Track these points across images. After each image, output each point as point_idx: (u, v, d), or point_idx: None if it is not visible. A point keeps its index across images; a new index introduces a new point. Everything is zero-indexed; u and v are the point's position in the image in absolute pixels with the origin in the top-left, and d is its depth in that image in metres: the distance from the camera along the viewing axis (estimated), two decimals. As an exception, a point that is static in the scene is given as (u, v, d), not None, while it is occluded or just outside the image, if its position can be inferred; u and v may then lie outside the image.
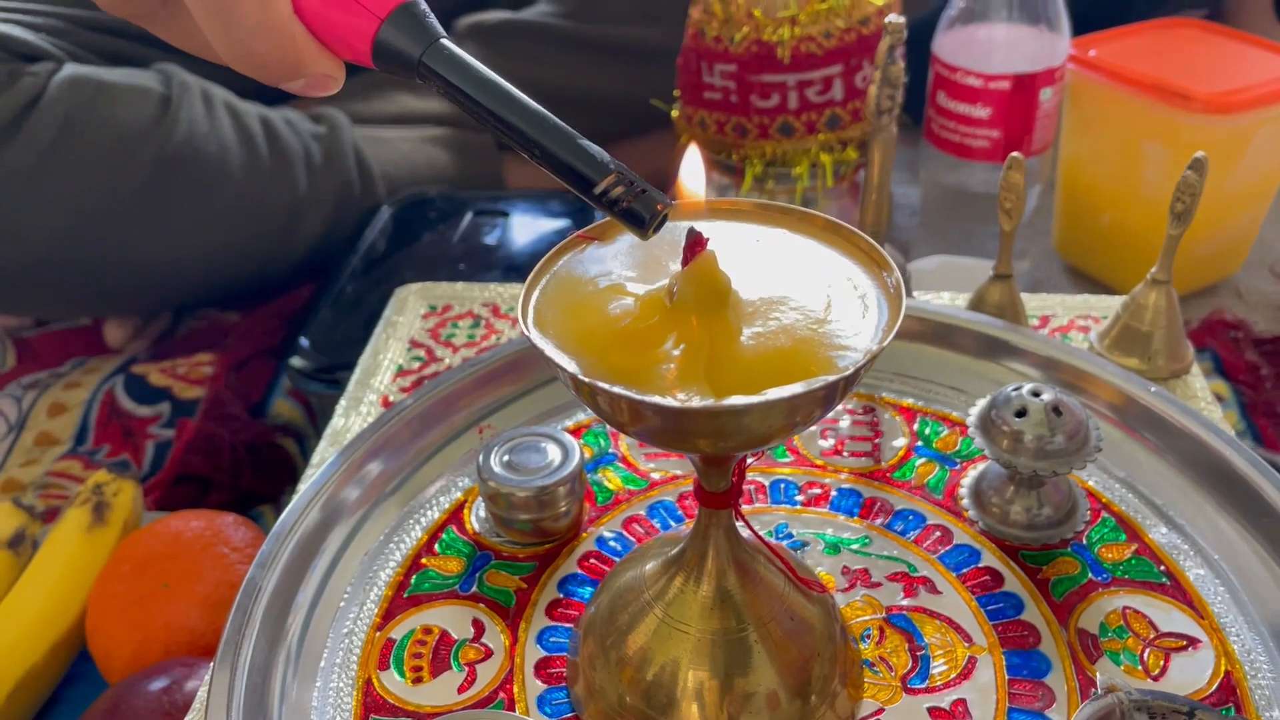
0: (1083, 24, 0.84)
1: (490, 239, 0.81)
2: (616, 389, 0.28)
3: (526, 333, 0.31)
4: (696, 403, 0.28)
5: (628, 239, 0.35)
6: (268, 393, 0.77)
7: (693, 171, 0.35)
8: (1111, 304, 0.58)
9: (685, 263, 0.31)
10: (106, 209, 0.74)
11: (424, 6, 0.30)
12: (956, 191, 0.82)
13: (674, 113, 0.82)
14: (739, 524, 0.37)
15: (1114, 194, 0.84)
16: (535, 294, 0.33)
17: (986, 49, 0.76)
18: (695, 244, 0.31)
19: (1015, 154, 0.49)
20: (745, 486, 0.47)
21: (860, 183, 0.80)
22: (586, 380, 0.29)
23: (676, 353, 0.30)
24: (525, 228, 0.82)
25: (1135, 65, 0.80)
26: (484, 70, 0.30)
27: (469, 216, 0.83)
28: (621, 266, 0.34)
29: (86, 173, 0.72)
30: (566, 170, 0.29)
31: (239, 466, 0.70)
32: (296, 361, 0.71)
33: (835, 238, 0.34)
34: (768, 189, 0.79)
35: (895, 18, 0.47)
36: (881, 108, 0.49)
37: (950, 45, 0.78)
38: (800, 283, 0.32)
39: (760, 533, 0.43)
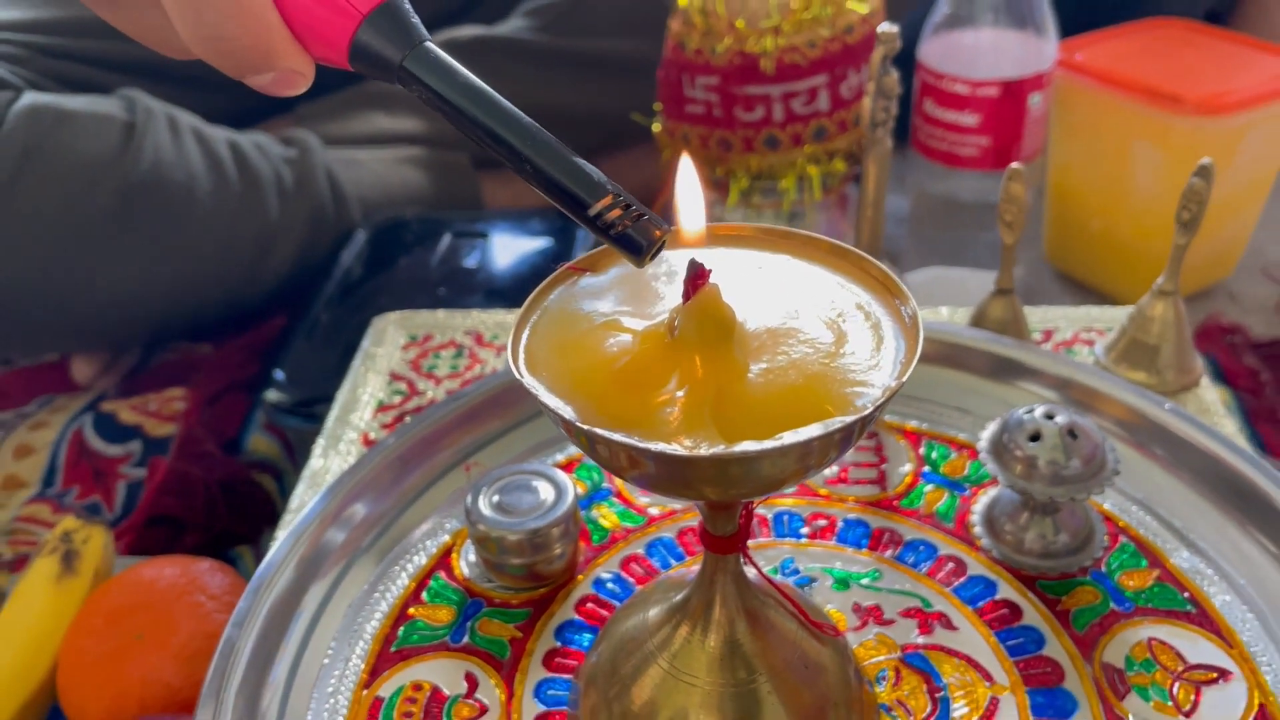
0: (1070, 26, 0.83)
1: (470, 261, 0.78)
2: (617, 436, 0.26)
3: (519, 376, 0.28)
4: (705, 450, 0.26)
5: (621, 269, 0.33)
6: (243, 428, 0.75)
7: (689, 188, 0.33)
8: (1116, 316, 0.56)
9: (687, 297, 0.29)
10: (70, 240, 0.71)
11: (408, 7, 0.28)
12: (946, 201, 0.81)
13: (656, 127, 0.80)
14: (746, 567, 0.35)
15: (1104, 199, 0.83)
16: (525, 332, 0.30)
17: (973, 55, 0.75)
18: (697, 276, 0.28)
19: (1015, 165, 0.47)
20: (747, 520, 0.45)
21: (849, 195, 0.79)
22: (584, 427, 0.27)
23: (680, 394, 0.28)
24: (506, 249, 0.80)
25: (1124, 68, 0.79)
26: (471, 77, 0.28)
27: (447, 239, 0.81)
28: (616, 300, 0.32)
29: (49, 204, 0.70)
30: (558, 189, 0.27)
31: (214, 506, 0.67)
32: (271, 395, 0.68)
33: (843, 263, 0.32)
34: (754, 203, 0.77)
35: (888, 26, 0.45)
36: (876, 120, 0.47)
37: (936, 52, 0.77)
38: (808, 313, 0.30)
39: (766, 571, 0.41)
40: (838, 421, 0.26)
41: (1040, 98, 0.76)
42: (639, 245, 0.27)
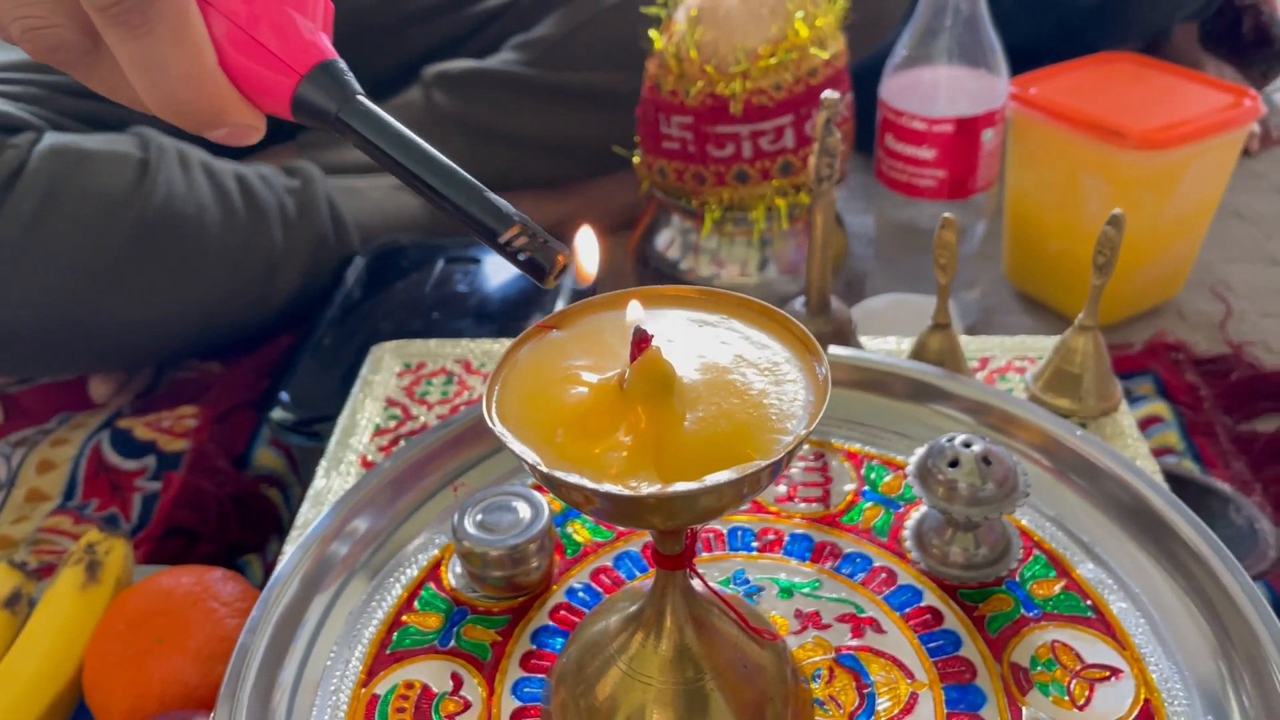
0: (1023, 59, 0.88)
1: (462, 287, 0.84)
2: (572, 478, 0.32)
3: (491, 424, 0.34)
4: (645, 489, 0.31)
5: (582, 325, 0.38)
6: (250, 443, 0.80)
7: (587, 251, 0.37)
8: (1045, 345, 0.62)
9: (633, 357, 0.34)
10: (90, 273, 0.76)
11: (342, 65, 0.32)
12: (908, 228, 0.86)
13: (635, 159, 0.85)
14: (693, 580, 0.40)
15: (1058, 224, 0.88)
16: (498, 386, 0.36)
17: (931, 92, 0.80)
18: (641, 340, 0.34)
19: (947, 215, 0.53)
20: (705, 535, 0.51)
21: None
22: (545, 471, 0.32)
23: (627, 440, 0.33)
24: (496, 275, 0.85)
25: (1073, 102, 0.84)
26: (397, 126, 0.32)
27: (441, 264, 0.86)
28: (577, 355, 0.37)
29: (69, 240, 0.75)
30: (473, 221, 0.31)
31: (225, 519, 0.72)
32: (277, 414, 0.73)
33: (770, 323, 0.37)
34: (726, 232, 0.82)
35: (830, 93, 0.50)
36: (821, 174, 0.52)
37: (896, 89, 0.82)
38: (739, 368, 0.36)
39: (718, 581, 0.47)
40: (752, 466, 0.32)
41: (993, 133, 0.81)
42: (543, 268, 0.31)
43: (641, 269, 0.88)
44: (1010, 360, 0.61)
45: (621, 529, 0.51)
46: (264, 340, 0.88)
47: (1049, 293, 0.93)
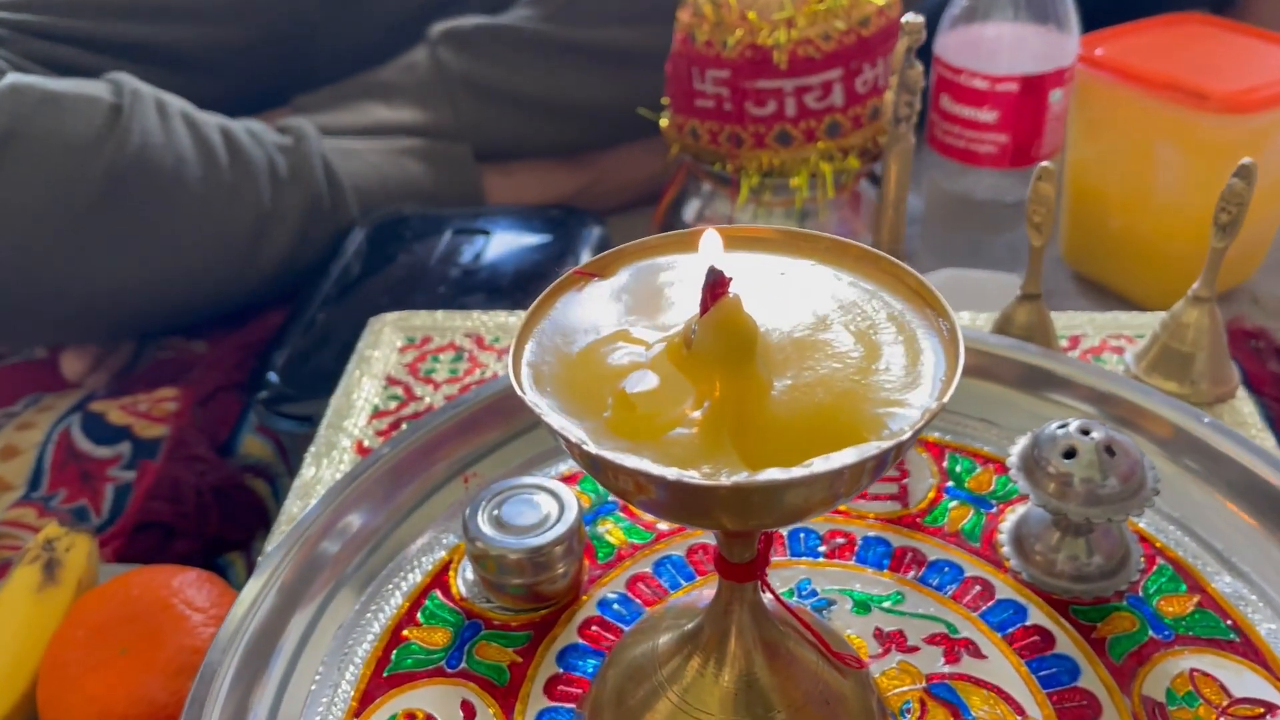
0: (1090, 21, 0.80)
1: (471, 260, 0.76)
2: (628, 461, 0.24)
3: (520, 392, 0.26)
4: (726, 478, 0.23)
5: (631, 273, 0.31)
6: (236, 429, 0.72)
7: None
8: (1145, 322, 0.54)
9: (705, 307, 0.26)
10: (55, 227, 0.68)
11: None
12: (961, 199, 0.78)
13: (663, 122, 0.77)
14: (764, 595, 0.32)
15: (1124, 199, 0.80)
16: (529, 344, 0.28)
17: (992, 49, 0.72)
18: (716, 284, 0.26)
19: (1046, 164, 0.45)
20: (760, 536, 0.43)
21: (863, 193, 0.76)
22: (594, 451, 0.24)
23: (697, 414, 0.26)
24: (508, 247, 0.77)
25: (1146, 63, 0.76)
26: None
27: (448, 236, 0.79)
28: (626, 308, 0.29)
29: (32, 188, 0.67)
30: None
31: (205, 512, 0.65)
32: (265, 397, 0.66)
33: (874, 270, 0.29)
34: (764, 201, 0.74)
35: (912, 16, 0.43)
36: (899, 115, 0.45)
37: (953, 46, 0.74)
38: (836, 324, 0.28)
39: (781, 594, 0.39)
40: (873, 447, 0.24)
41: (1061, 94, 0.73)
42: None
43: (667, 244, 0.80)
44: (1104, 339, 0.53)
45: (668, 527, 0.44)
46: (251, 315, 0.80)
47: (1112, 274, 0.85)
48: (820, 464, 0.23)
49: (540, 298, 0.29)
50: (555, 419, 0.25)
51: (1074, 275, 0.88)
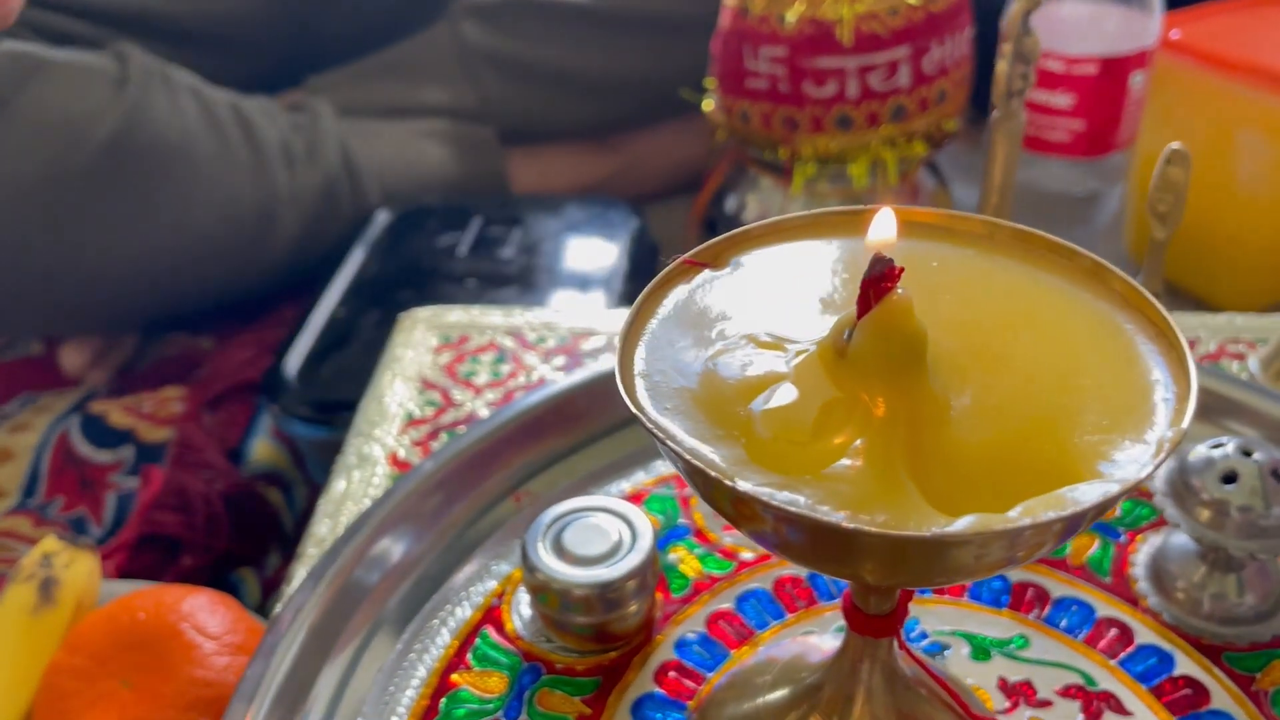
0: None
1: (502, 252, 0.70)
2: (792, 504, 0.19)
3: (641, 414, 0.21)
4: (924, 530, 0.18)
5: (751, 262, 0.25)
6: (247, 433, 0.67)
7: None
8: (1265, 325, 0.49)
9: (865, 306, 0.21)
10: (53, 204, 0.63)
11: None
12: (1029, 191, 0.73)
13: (707, 104, 0.72)
14: (898, 651, 0.27)
15: (1203, 192, 0.75)
16: (639, 351, 0.23)
17: (1069, 28, 0.67)
18: (883, 278, 0.21)
19: (1177, 145, 0.40)
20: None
21: (922, 183, 0.71)
22: (737, 488, 0.19)
23: (860, 441, 0.20)
24: (541, 237, 0.72)
25: (1228, 47, 0.71)
26: None
27: (476, 225, 0.73)
28: (753, 306, 0.24)
29: (28, 163, 0.62)
30: None
31: (214, 524, 0.59)
32: (280, 399, 0.61)
33: (1069, 267, 0.24)
34: (818, 191, 0.69)
35: (1032, -22, 0.37)
36: (1013, 89, 0.39)
37: (1025, 24, 0.69)
38: (1026, 332, 0.22)
39: (921, 656, 0.33)
40: (1101, 489, 0.19)
41: (1142, 77, 0.68)
42: None
43: (707, 239, 0.75)
44: (1222, 344, 0.48)
45: (751, 556, 0.38)
46: (264, 309, 0.75)
47: (1186, 275, 0.80)
48: (1044, 511, 0.18)
49: (644, 293, 0.24)
50: (689, 443, 0.20)
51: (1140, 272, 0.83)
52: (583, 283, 0.68)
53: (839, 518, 0.18)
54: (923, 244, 0.25)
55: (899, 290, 0.21)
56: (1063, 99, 0.68)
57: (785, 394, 0.21)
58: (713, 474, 0.19)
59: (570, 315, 0.52)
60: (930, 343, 0.22)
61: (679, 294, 0.25)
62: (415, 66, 0.85)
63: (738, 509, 0.20)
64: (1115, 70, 0.67)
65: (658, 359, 0.23)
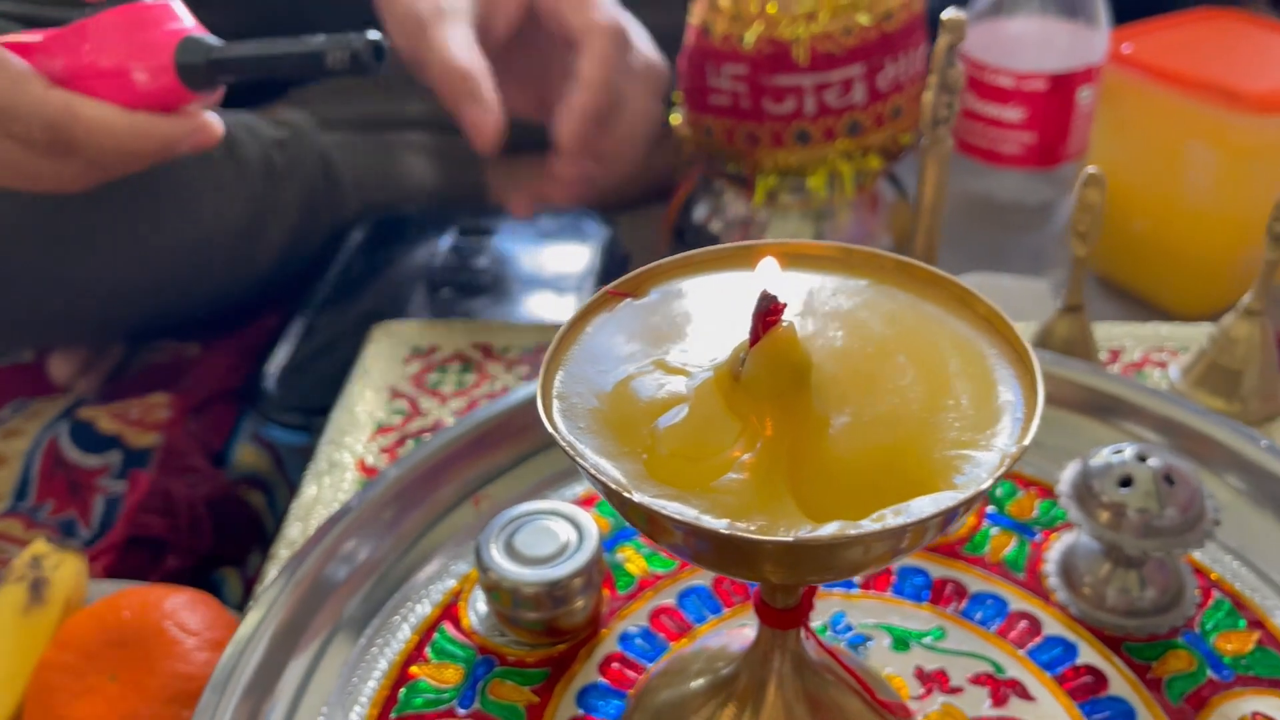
0: (1119, 14, 0.78)
1: (477, 262, 0.73)
2: (678, 512, 0.21)
3: (554, 432, 0.23)
4: (788, 534, 0.21)
5: (667, 293, 0.28)
6: (230, 438, 0.70)
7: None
8: (1189, 335, 0.52)
9: (756, 337, 0.24)
10: (35, 218, 0.65)
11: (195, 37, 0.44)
12: (983, 202, 0.76)
13: (675, 119, 0.75)
14: (807, 641, 0.30)
15: (1152, 201, 0.78)
16: (559, 374, 0.25)
17: (1019, 45, 0.70)
18: (768, 312, 0.23)
19: (1093, 169, 0.43)
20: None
21: (881, 195, 0.73)
22: (636, 500, 0.22)
23: (747, 456, 0.23)
24: (516, 249, 0.74)
25: (1176, 60, 0.74)
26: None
27: (449, 236, 0.76)
28: (664, 333, 0.27)
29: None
30: (305, 57, 0.41)
31: (199, 526, 0.62)
32: (260, 406, 0.63)
33: (941, 294, 0.27)
34: (780, 203, 0.72)
35: (953, 12, 0.40)
36: (939, 117, 0.42)
37: (978, 41, 0.71)
38: (897, 354, 0.25)
39: (814, 629, 0.36)
40: (949, 497, 0.21)
41: (1090, 92, 0.71)
42: (364, 63, 0.41)
43: (678, 247, 0.77)
44: (1146, 353, 0.50)
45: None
46: (247, 318, 0.77)
47: (1137, 279, 0.82)
48: (893, 518, 0.21)
49: (568, 321, 0.27)
50: (593, 461, 0.23)
51: (1097, 280, 0.85)
52: (556, 290, 0.71)
53: (719, 525, 0.21)
54: (819, 276, 0.28)
55: (784, 322, 0.24)
56: (1013, 113, 0.70)
57: (684, 415, 0.24)
58: (613, 487, 0.22)
59: (531, 329, 0.54)
60: (815, 367, 0.24)
61: (601, 321, 0.27)
62: (395, 80, 0.87)
63: (639, 520, 0.23)
64: (1063, 85, 0.69)
65: (575, 381, 0.25)
